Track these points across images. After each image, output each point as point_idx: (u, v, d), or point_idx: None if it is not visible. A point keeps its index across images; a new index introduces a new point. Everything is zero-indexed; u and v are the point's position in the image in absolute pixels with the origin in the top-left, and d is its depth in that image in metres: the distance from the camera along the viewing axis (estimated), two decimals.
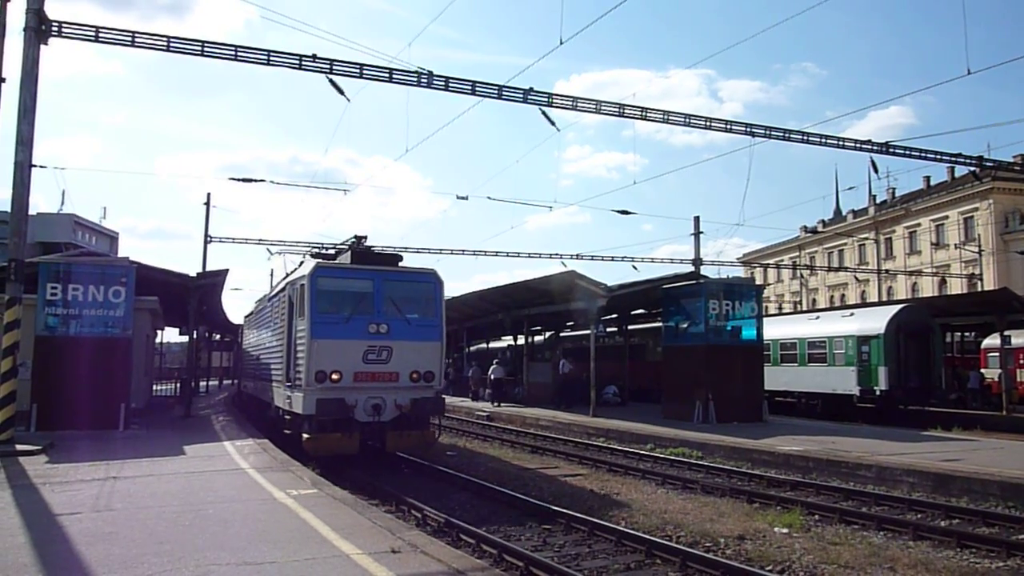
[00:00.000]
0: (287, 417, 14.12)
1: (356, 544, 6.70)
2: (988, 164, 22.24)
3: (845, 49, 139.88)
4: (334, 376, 12.81)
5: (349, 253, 14.67)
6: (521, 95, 16.76)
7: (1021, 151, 48.43)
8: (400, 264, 15.00)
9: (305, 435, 12.88)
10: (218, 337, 48.75)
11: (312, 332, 12.84)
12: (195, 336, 29.71)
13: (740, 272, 72.58)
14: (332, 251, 16.63)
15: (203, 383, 44.71)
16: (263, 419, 18.56)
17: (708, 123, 19.00)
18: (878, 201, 68.50)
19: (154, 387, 33.97)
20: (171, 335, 51.46)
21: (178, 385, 34.74)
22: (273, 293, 17.99)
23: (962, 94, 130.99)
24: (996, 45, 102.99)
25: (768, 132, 19.33)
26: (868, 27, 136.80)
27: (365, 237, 15.10)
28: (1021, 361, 30.17)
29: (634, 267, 39.85)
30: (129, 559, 6.20)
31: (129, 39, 14.40)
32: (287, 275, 16.76)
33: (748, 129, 19.19)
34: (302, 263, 15.84)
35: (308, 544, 6.74)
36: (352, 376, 12.98)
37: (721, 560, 7.98)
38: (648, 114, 18.19)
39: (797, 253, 76.99)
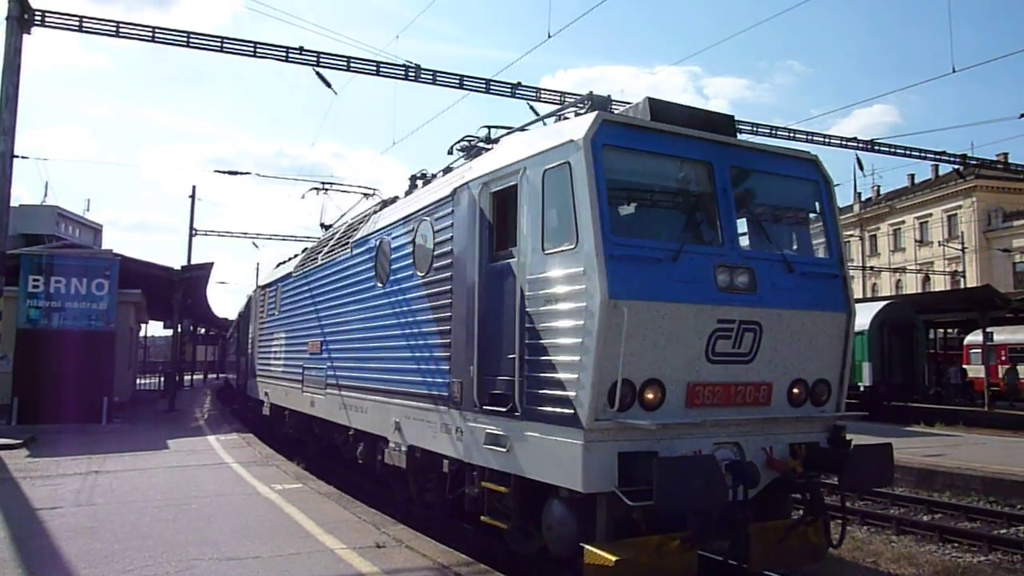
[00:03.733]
0: (486, 487, 6.46)
1: (340, 539, 6.68)
2: (972, 162, 22.45)
3: (830, 47, 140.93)
4: (649, 395, 5.55)
5: (645, 104, 6.35)
6: (509, 89, 16.72)
7: (1004, 149, 48.99)
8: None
9: (589, 549, 5.21)
10: (203, 331, 48.53)
11: (611, 283, 5.27)
12: (179, 329, 29.53)
13: None
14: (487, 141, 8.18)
15: (188, 377, 44.47)
16: (336, 458, 12.16)
17: None
18: (863, 198, 68.95)
19: (138, 381, 33.75)
20: (155, 328, 51.26)
21: (162, 379, 34.55)
22: (383, 225, 9.39)
23: (946, 92, 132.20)
24: (981, 43, 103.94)
25: (754, 128, 19.41)
26: (853, 25, 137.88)
27: (609, 98, 6.88)
28: (1003, 357, 30.49)
29: None
30: (111, 554, 6.14)
31: (114, 29, 14.27)
32: (404, 195, 9.75)
33: None
34: (479, 144, 8.13)
35: (292, 539, 6.70)
36: (684, 393, 5.71)
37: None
38: None
39: None
